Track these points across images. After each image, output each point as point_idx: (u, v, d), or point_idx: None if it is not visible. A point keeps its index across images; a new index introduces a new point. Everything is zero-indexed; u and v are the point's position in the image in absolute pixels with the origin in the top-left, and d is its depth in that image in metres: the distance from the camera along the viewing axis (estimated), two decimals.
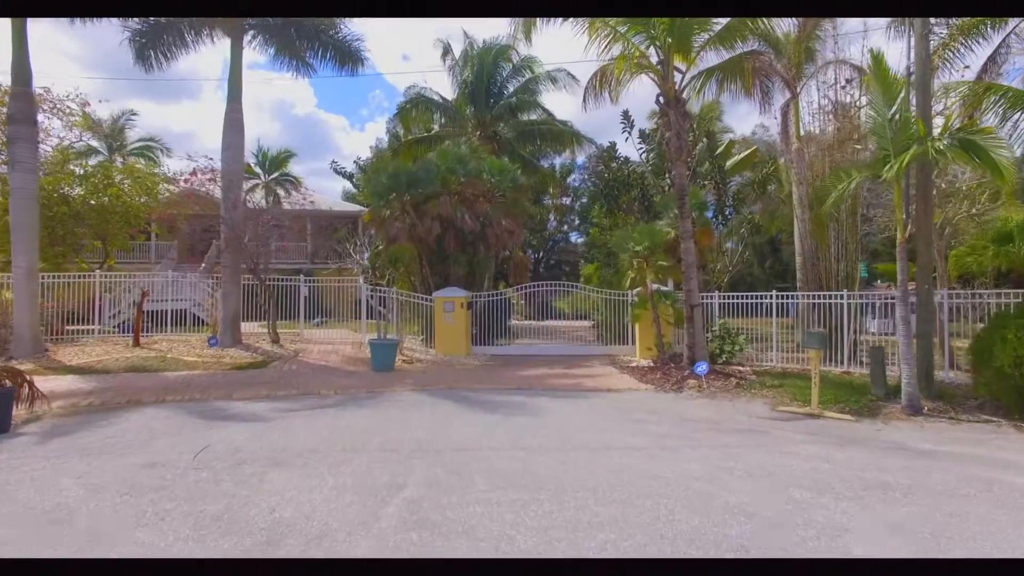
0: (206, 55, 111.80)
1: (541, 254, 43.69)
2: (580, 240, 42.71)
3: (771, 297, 12.52)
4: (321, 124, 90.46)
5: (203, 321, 17.75)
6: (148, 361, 11.81)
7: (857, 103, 13.31)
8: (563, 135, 20.92)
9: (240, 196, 13.62)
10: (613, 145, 16.56)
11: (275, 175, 23.69)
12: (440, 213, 14.30)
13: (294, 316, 15.59)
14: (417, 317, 14.99)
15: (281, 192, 22.87)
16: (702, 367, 9.53)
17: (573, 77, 19.19)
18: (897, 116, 7.34)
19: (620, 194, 15.42)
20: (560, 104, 72.50)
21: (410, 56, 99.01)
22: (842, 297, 11.64)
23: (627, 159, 16.55)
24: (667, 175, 15.65)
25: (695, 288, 10.55)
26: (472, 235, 14.74)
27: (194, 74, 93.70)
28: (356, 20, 16.11)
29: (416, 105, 20.88)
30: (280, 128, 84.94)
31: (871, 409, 7.90)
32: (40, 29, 68.58)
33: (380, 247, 13.70)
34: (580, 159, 30.58)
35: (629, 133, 16.07)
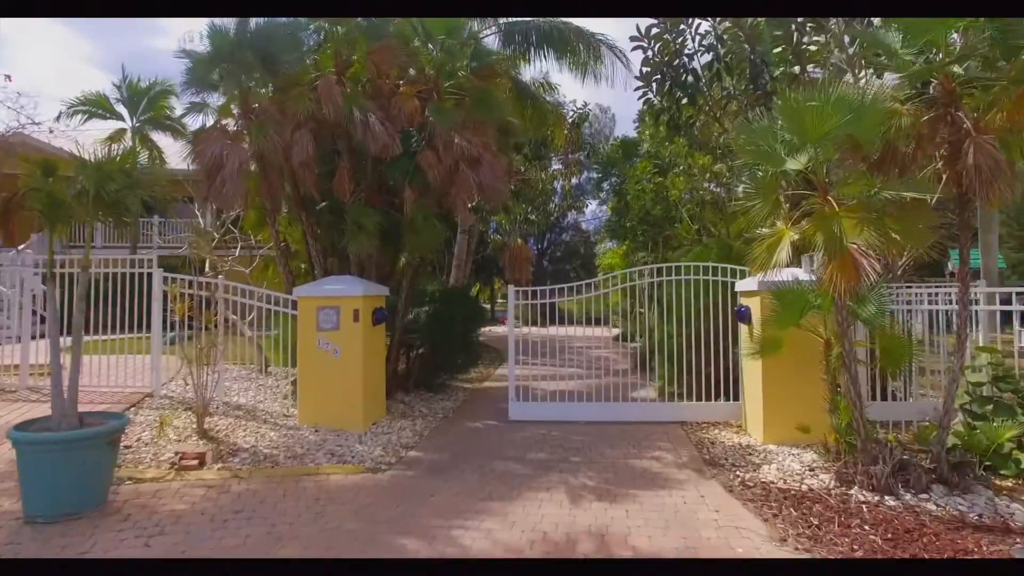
0: None
1: (545, 243, 35.87)
2: (592, 226, 34.95)
3: None
4: None
5: None
6: None
7: None
8: (574, 39, 13.11)
9: None
10: None
11: (146, 116, 15.94)
12: (316, 113, 6.56)
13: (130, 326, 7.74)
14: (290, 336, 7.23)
15: (167, 142, 15.23)
16: None
17: None
18: None
19: (711, 81, 7.34)
20: None
21: None
22: None
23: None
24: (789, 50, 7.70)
25: None
26: (395, 168, 7.00)
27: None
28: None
29: None
30: None
31: None
32: (55, 30, 63.16)
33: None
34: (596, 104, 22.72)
35: None
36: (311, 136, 6.50)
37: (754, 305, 5.98)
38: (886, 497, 3.98)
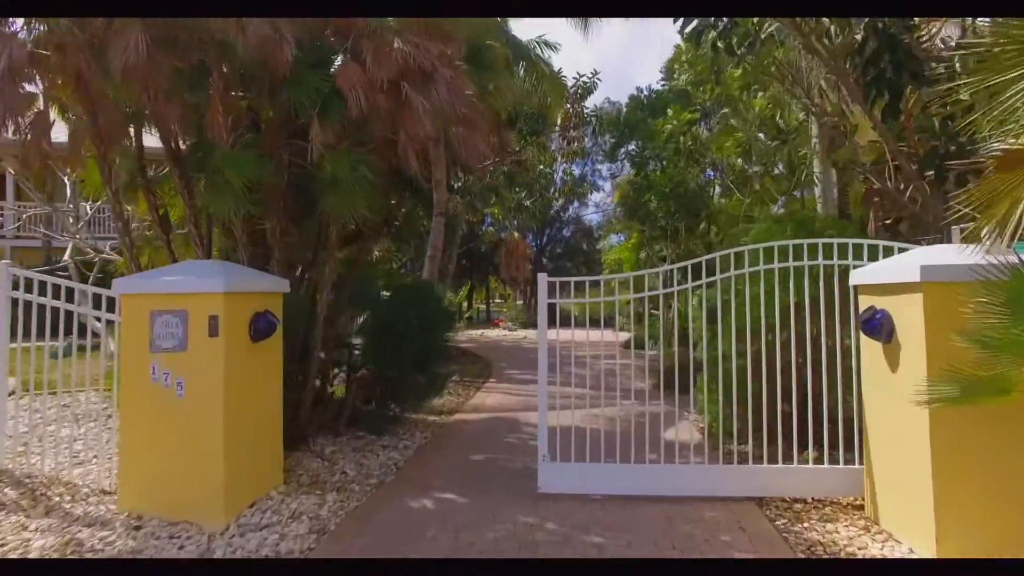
0: None
1: (544, 239, 33.17)
2: (595, 221, 32.24)
3: None
4: None
5: None
6: None
7: None
8: None
9: None
10: None
11: None
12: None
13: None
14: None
15: None
16: None
17: None
18: None
19: None
20: None
21: None
22: None
23: None
24: None
25: None
26: (299, 90, 4.43)
27: None
28: None
29: None
30: None
31: None
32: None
33: None
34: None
35: None
36: (143, 30, 3.91)
37: (904, 309, 3.38)
38: None
